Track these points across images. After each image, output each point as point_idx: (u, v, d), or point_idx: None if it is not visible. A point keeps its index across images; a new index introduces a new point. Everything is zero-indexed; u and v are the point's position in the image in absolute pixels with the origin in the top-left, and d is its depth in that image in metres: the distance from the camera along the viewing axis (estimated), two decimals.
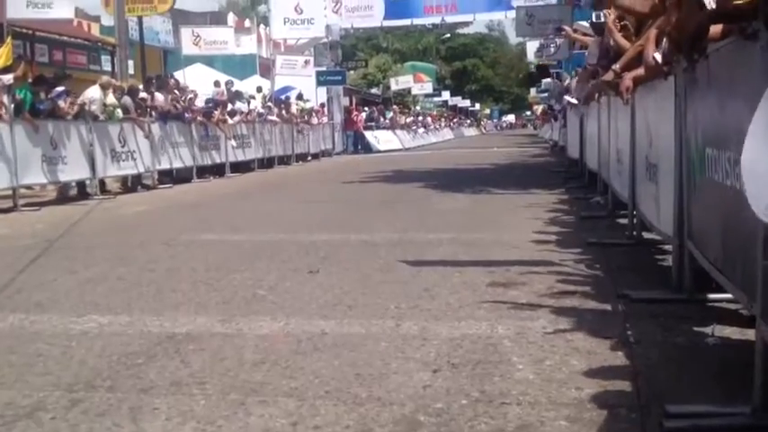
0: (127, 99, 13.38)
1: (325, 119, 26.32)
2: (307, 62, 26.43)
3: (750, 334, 2.88)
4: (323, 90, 27.15)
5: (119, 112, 13.01)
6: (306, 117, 23.47)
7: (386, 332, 3.74)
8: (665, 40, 4.17)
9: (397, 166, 18.15)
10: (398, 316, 4.05)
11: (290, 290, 4.77)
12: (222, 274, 5.31)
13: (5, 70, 10.93)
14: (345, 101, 31.67)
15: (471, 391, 2.88)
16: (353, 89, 39.42)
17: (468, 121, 69.12)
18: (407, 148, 32.82)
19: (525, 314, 4.00)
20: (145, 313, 4.25)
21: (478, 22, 38.94)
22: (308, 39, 26.87)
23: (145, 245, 6.84)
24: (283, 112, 21.74)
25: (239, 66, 28.01)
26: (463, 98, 69.20)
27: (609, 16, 6.96)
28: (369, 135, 30.21)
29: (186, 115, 15.40)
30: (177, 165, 14.93)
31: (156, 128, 14.02)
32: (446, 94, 62.80)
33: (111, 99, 12.87)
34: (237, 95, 19.46)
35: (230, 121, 17.25)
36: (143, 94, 14.25)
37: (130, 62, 19.64)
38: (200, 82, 19.45)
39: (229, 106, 17.87)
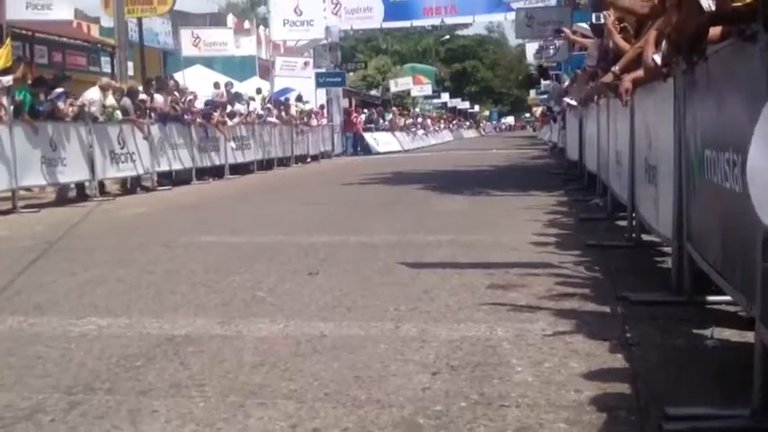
0: (126, 101, 13.38)
1: (324, 120, 26.33)
2: (306, 64, 26.43)
3: (749, 336, 2.88)
4: (322, 92, 27.17)
5: (118, 114, 13.00)
6: (305, 119, 23.48)
7: (385, 334, 3.74)
8: (664, 41, 4.18)
9: (397, 167, 18.15)
10: (398, 318, 4.05)
11: (289, 292, 4.77)
12: (221, 276, 5.31)
13: (5, 72, 10.91)
14: (345, 102, 31.70)
15: (470, 394, 2.88)
16: (353, 91, 39.44)
17: (468, 123, 69.13)
18: (407, 149, 32.83)
19: (524, 316, 4.00)
20: (144, 315, 4.25)
21: (478, 23, 38.92)
22: (308, 40, 26.88)
23: (144, 247, 6.83)
24: (283, 113, 21.74)
25: (239, 67, 28.01)
26: (462, 100, 69.24)
27: (608, 18, 6.96)
28: (368, 137, 30.23)
29: (186, 117, 15.40)
30: (176, 166, 14.93)
31: (155, 129, 14.02)
32: (445, 96, 62.83)
33: (110, 100, 12.87)
34: (237, 97, 19.46)
35: (230, 123, 17.25)
36: (142, 96, 14.25)
37: (130, 63, 19.64)
38: (199, 83, 19.46)
39: (229, 108, 17.87)
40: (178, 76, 19.17)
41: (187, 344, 3.65)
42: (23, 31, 20.05)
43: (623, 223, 6.67)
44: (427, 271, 5.29)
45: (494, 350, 3.42)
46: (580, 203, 9.38)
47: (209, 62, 25.28)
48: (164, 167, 14.41)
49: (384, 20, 26.80)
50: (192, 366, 3.30)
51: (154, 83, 16.00)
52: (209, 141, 16.36)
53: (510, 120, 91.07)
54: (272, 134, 20.27)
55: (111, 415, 2.77)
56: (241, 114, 18.39)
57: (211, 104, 17.40)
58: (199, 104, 16.88)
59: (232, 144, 17.24)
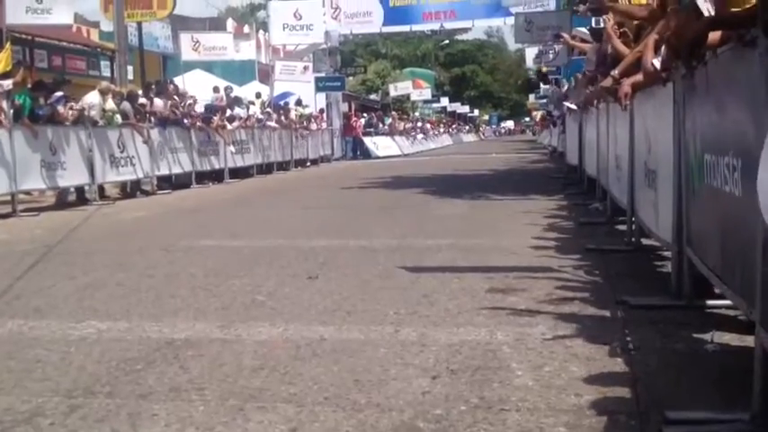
0: (126, 105, 13.38)
1: (324, 125, 26.35)
2: (306, 68, 26.41)
3: (749, 340, 2.88)
4: (322, 96, 27.18)
5: (118, 118, 13.01)
6: (305, 123, 23.49)
7: (385, 338, 3.74)
8: (663, 46, 4.19)
9: (396, 171, 18.16)
10: (397, 322, 4.05)
11: (288, 296, 4.77)
12: (221, 280, 5.31)
13: (5, 76, 10.90)
14: (344, 107, 31.73)
15: (470, 398, 2.88)
16: (352, 95, 39.47)
17: (467, 128, 69.15)
18: (406, 153, 32.84)
19: (524, 320, 4.00)
20: (144, 319, 4.25)
21: (477, 28, 39.01)
22: (307, 45, 26.88)
23: (144, 250, 6.83)
24: (282, 117, 21.76)
25: (238, 71, 28.02)
26: (462, 104, 69.24)
27: (608, 22, 6.98)
28: (367, 141, 30.25)
29: (185, 121, 15.41)
30: (176, 170, 14.94)
31: (155, 133, 14.02)
32: (445, 101, 62.86)
33: (110, 104, 12.87)
34: (236, 101, 19.47)
35: (229, 127, 17.26)
36: (142, 100, 14.26)
37: (129, 68, 19.66)
38: (199, 87, 19.47)
39: (228, 112, 17.88)
40: (178, 80, 19.17)
41: (187, 347, 3.65)
42: (23, 36, 20.07)
43: (623, 227, 6.68)
44: (427, 275, 5.29)
45: (494, 354, 3.42)
46: (580, 207, 9.38)
47: (208, 66, 25.30)
48: (163, 171, 14.41)
49: (383, 24, 26.84)
50: (191, 370, 3.30)
51: (153, 87, 16.01)
52: (209, 145, 16.37)
53: (509, 124, 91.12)
54: (272, 138, 20.28)
55: (111, 418, 2.77)
56: (241, 118, 18.41)
57: (211, 108, 17.40)
58: (199, 108, 16.88)
59: (232, 148, 17.25)
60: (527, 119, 78.28)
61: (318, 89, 26.51)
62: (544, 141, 35.07)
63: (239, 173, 17.61)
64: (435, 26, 29.13)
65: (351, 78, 38.92)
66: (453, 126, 61.40)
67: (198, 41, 22.65)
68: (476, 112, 76.71)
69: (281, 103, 23.41)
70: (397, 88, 45.75)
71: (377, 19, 26.41)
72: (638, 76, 5.21)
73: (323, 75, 26.92)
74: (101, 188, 12.53)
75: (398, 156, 30.90)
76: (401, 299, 4.58)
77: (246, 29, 35.45)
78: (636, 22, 6.21)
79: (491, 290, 4.75)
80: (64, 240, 7.66)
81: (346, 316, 4.23)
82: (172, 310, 4.48)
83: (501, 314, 4.14)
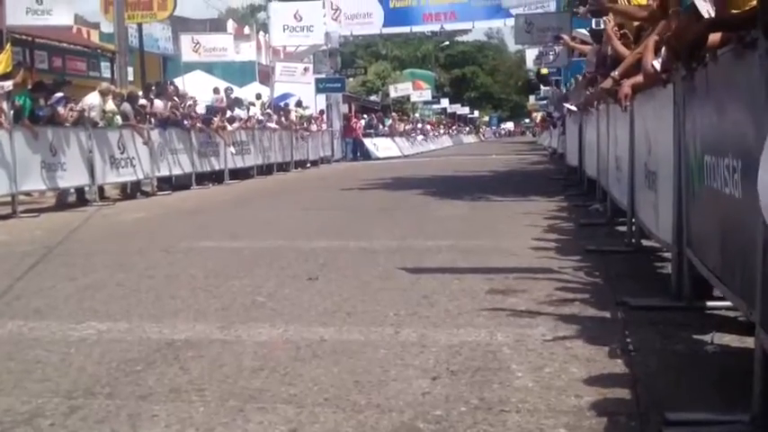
0: (126, 106, 13.39)
1: (324, 126, 26.35)
2: (306, 69, 26.44)
3: (749, 342, 2.88)
4: (322, 97, 27.19)
5: (118, 119, 13.01)
6: (305, 124, 23.50)
7: (385, 339, 3.74)
8: (663, 48, 4.19)
9: (396, 173, 18.17)
10: (397, 323, 4.05)
11: (288, 297, 4.77)
12: (221, 281, 5.31)
13: (5, 77, 10.91)
14: (344, 108, 31.74)
15: (470, 399, 2.88)
16: (352, 96, 39.48)
17: (467, 129, 69.20)
18: (406, 155, 32.85)
19: (524, 321, 4.00)
20: (144, 320, 4.25)
21: (477, 29, 39.09)
22: (308, 46, 26.91)
23: (144, 251, 6.83)
24: (282, 119, 21.77)
25: (239, 73, 28.06)
26: (462, 105, 69.29)
27: (608, 24, 6.98)
28: (368, 142, 30.26)
29: (185, 122, 15.41)
30: (176, 171, 14.94)
31: (155, 134, 14.03)
32: (445, 102, 62.91)
33: (110, 106, 12.87)
34: (237, 102, 19.48)
35: (229, 128, 17.27)
36: (142, 101, 14.27)
37: (130, 69, 19.67)
38: (199, 89, 19.47)
39: (228, 113, 17.89)
40: (178, 81, 19.18)
41: (187, 348, 3.65)
42: (23, 37, 20.09)
43: (623, 229, 6.68)
44: (427, 276, 5.29)
45: (494, 355, 3.42)
46: (580, 209, 9.38)
47: (209, 67, 25.32)
48: (164, 172, 14.42)
49: (384, 26, 26.85)
50: (191, 371, 3.30)
51: (154, 88, 16.02)
52: (209, 146, 16.37)
53: (509, 125, 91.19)
54: (272, 139, 20.29)
55: (111, 419, 2.77)
56: (241, 119, 18.42)
57: (211, 110, 17.41)
58: (200, 110, 16.89)
59: (232, 149, 17.25)
60: (527, 120, 78.35)
61: (318, 90, 26.52)
62: (544, 143, 35.08)
63: (239, 174, 17.62)
64: (435, 27, 29.13)
65: (351, 80, 38.91)
66: (453, 127, 61.44)
67: (198, 43, 22.67)
68: (476, 113, 76.77)
69: (282, 104, 23.42)
70: (398, 89, 45.79)
71: (377, 20, 26.42)
72: (639, 78, 5.22)
73: (323, 76, 26.93)
74: (101, 189, 12.54)
75: (398, 157, 30.91)
76: (401, 300, 4.58)
77: (247, 30, 35.51)
78: (636, 24, 6.22)
79: (491, 291, 4.75)
80: (64, 241, 7.66)
81: (346, 317, 4.23)
82: (172, 311, 4.48)
83: (501, 315, 4.14)
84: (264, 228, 8.80)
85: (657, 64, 4.40)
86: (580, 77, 12.71)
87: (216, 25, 35.07)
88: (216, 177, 16.52)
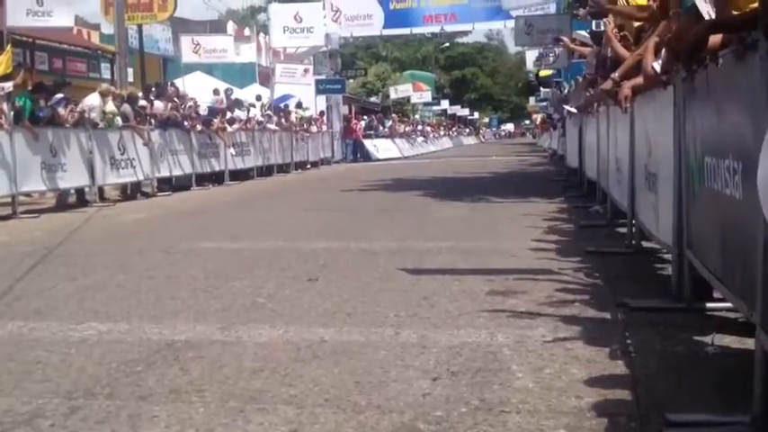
0: (126, 107, 13.40)
1: (324, 127, 26.35)
2: (306, 71, 26.48)
3: (750, 343, 2.88)
4: (322, 98, 27.20)
5: (118, 120, 13.02)
6: (305, 125, 23.50)
7: (385, 340, 3.74)
8: (663, 49, 4.20)
9: (396, 174, 18.17)
10: (398, 324, 4.05)
11: (289, 298, 4.77)
12: (221, 282, 5.31)
13: (5, 78, 10.93)
14: (344, 109, 31.74)
15: (471, 400, 2.88)
16: (353, 98, 39.50)
17: (467, 130, 69.21)
18: (406, 156, 32.86)
19: (524, 322, 4.00)
20: (144, 321, 4.25)
21: (477, 31, 39.18)
22: (308, 47, 26.92)
23: (144, 252, 6.83)
24: (282, 120, 21.77)
25: (239, 74, 28.06)
26: (462, 107, 69.33)
27: (608, 25, 6.99)
28: (368, 143, 30.26)
29: (185, 123, 15.42)
30: (176, 172, 14.95)
31: (155, 135, 14.03)
32: (445, 103, 62.92)
33: (110, 107, 12.88)
34: (237, 103, 19.48)
35: (229, 129, 17.27)
36: (142, 102, 14.27)
37: (130, 70, 19.67)
38: (199, 90, 19.49)
39: (228, 114, 17.89)
40: (178, 82, 19.19)
41: (187, 349, 3.65)
42: (24, 38, 20.11)
43: (623, 230, 6.68)
44: (427, 277, 5.29)
45: (494, 356, 3.42)
46: (580, 210, 9.38)
47: (209, 69, 25.33)
48: (164, 173, 14.42)
49: (384, 27, 26.84)
50: (191, 372, 3.30)
51: (154, 89, 16.02)
52: (209, 147, 16.38)
53: (510, 127, 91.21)
54: (272, 141, 20.30)
55: (111, 420, 2.77)
56: (241, 121, 18.42)
57: (211, 111, 17.42)
58: (202, 111, 16.89)
59: (232, 150, 17.26)
60: (527, 122, 78.40)
61: (319, 92, 26.54)
62: (544, 144, 35.09)
63: (239, 175, 17.62)
64: (436, 29, 29.16)
65: (351, 81, 38.92)
66: (453, 129, 61.48)
67: (198, 44, 22.70)
68: (476, 114, 76.83)
69: (282, 105, 23.42)
70: (398, 91, 45.83)
71: (377, 22, 26.42)
72: (639, 79, 5.22)
73: (323, 77, 26.93)
74: (101, 190, 12.54)
75: (399, 158, 30.91)
76: (401, 301, 4.58)
77: (247, 31, 35.53)
78: (636, 25, 6.22)
79: (491, 292, 4.75)
80: (64, 242, 7.66)
81: (347, 318, 4.23)
82: (172, 311, 4.48)
83: (501, 316, 4.14)
84: (265, 229, 8.80)
85: (658, 65, 4.40)
86: (580, 79, 12.71)
87: (216, 26, 35.06)
88: (216, 178, 16.52)
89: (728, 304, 3.50)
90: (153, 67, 25.63)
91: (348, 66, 39.98)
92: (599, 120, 8.85)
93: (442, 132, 53.27)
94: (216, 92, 19.37)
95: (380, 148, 31.09)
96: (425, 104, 53.88)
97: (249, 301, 4.68)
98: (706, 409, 2.71)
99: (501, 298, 4.60)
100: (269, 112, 21.66)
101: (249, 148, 18.57)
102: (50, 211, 11.09)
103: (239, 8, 55.92)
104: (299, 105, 24.04)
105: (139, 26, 21.52)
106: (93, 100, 12.74)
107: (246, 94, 22.82)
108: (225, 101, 18.86)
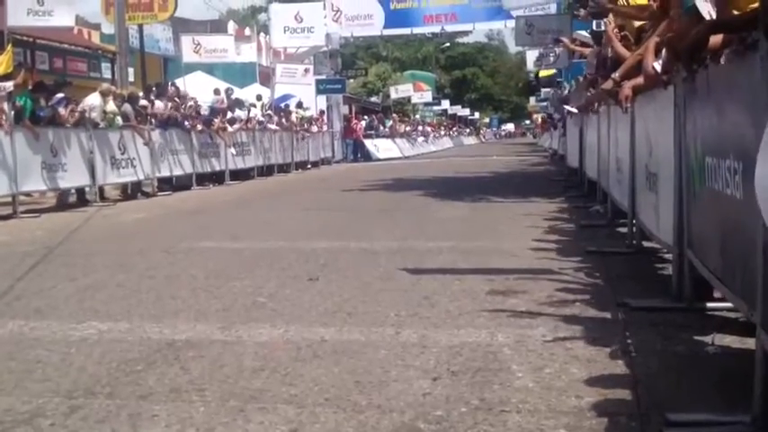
0: (127, 106, 13.40)
1: (324, 127, 26.36)
2: (306, 70, 26.49)
3: (750, 343, 2.88)
4: (322, 98, 27.20)
5: (119, 120, 13.02)
6: (305, 125, 23.51)
7: (385, 340, 3.74)
8: (664, 49, 4.20)
9: (397, 174, 18.17)
10: (398, 324, 4.05)
11: (289, 297, 4.77)
12: (222, 282, 5.31)
13: (6, 78, 10.93)
14: (345, 109, 31.74)
15: (471, 399, 2.88)
16: (353, 97, 39.50)
17: (468, 130, 69.22)
18: (407, 156, 32.86)
19: (525, 322, 4.00)
20: (144, 320, 4.25)
21: (478, 31, 39.19)
22: (308, 47, 26.93)
23: (144, 252, 6.83)
24: (283, 120, 21.77)
25: (239, 74, 28.08)
26: (462, 107, 69.33)
27: (609, 25, 6.99)
28: (368, 143, 30.26)
29: (186, 123, 15.42)
30: (177, 172, 14.95)
31: (155, 135, 14.04)
32: (445, 103, 62.93)
33: (111, 106, 12.88)
34: (237, 103, 19.49)
35: (230, 129, 17.27)
36: (143, 102, 14.27)
37: (131, 70, 19.67)
38: (200, 90, 19.49)
39: (229, 114, 17.89)
40: (179, 82, 19.20)
41: (187, 349, 3.65)
42: (24, 38, 20.11)
43: (624, 230, 6.68)
44: (428, 277, 5.29)
45: (494, 356, 3.42)
46: (580, 210, 9.38)
47: (209, 69, 25.34)
48: (164, 173, 14.43)
49: (384, 27, 26.85)
50: (192, 371, 3.30)
51: (154, 89, 16.03)
52: (210, 147, 16.38)
53: (510, 127, 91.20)
54: (273, 140, 20.30)
55: (112, 419, 2.77)
56: (241, 120, 18.42)
57: (212, 111, 17.42)
58: (203, 111, 16.90)
59: (232, 150, 17.26)
60: (528, 122, 78.39)
61: (319, 91, 26.54)
62: (545, 144, 35.09)
63: (240, 175, 17.63)
64: (436, 29, 29.17)
65: (351, 81, 38.92)
66: (454, 129, 61.48)
67: (199, 44, 22.71)
68: (476, 114, 76.83)
69: (282, 105, 23.43)
70: (398, 91, 45.83)
71: (378, 22, 26.42)
72: (639, 79, 5.22)
73: (324, 77, 26.94)
74: (101, 190, 12.54)
75: (399, 158, 30.91)
76: (402, 301, 4.58)
77: (247, 31, 35.54)
78: (637, 26, 6.22)
79: (492, 292, 4.75)
80: (64, 242, 7.66)
81: (347, 317, 4.23)
82: (172, 311, 4.48)
83: (502, 316, 4.14)
84: (265, 228, 8.80)
85: (658, 65, 4.40)
86: (581, 79, 12.71)
87: (217, 26, 35.06)
88: (216, 178, 16.53)
89: (729, 304, 3.50)
90: (153, 67, 25.63)
91: (348, 66, 39.99)
92: (600, 120, 8.85)
93: (442, 132, 53.28)
94: (216, 92, 19.37)
95: (381, 147, 31.10)
96: (426, 104, 53.88)
97: (250, 301, 4.69)
98: (706, 409, 2.71)
99: (501, 298, 4.60)
100: (269, 111, 21.66)
101: (250, 147, 18.58)
102: (51, 210, 11.09)
103: (240, 8, 55.89)
104: (299, 105, 24.05)
105: (140, 26, 21.52)
106: (93, 100, 12.74)
107: (247, 93, 22.83)
108: (225, 101, 18.86)
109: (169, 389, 3.08)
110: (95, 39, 27.20)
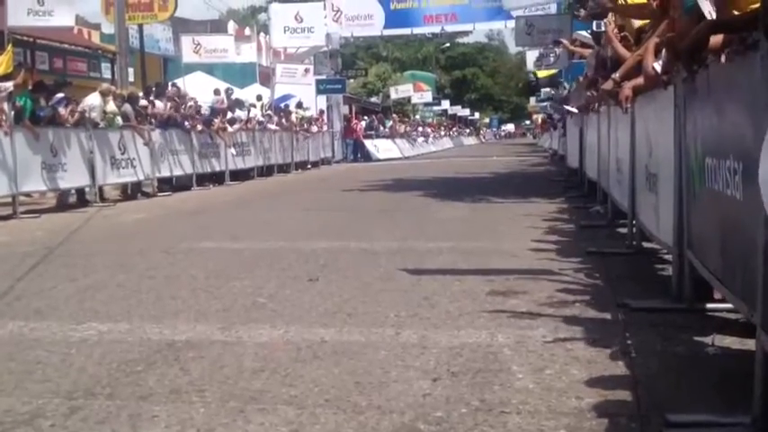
0: (127, 107, 13.39)
1: (324, 127, 26.36)
2: (306, 71, 26.49)
3: (750, 344, 2.88)
4: (322, 98, 27.20)
5: (119, 120, 13.02)
6: (305, 125, 23.51)
7: (385, 340, 3.74)
8: (664, 49, 4.19)
9: (397, 174, 18.17)
10: (398, 324, 4.05)
11: (289, 298, 4.77)
12: (222, 282, 5.31)
13: (6, 78, 10.93)
14: (345, 109, 31.73)
15: (471, 400, 2.88)
16: (353, 98, 39.48)
17: (468, 130, 69.20)
18: (407, 156, 32.86)
19: (525, 323, 4.00)
20: (144, 321, 4.25)
21: (478, 31, 39.20)
22: (308, 47, 26.93)
23: (144, 252, 6.83)
24: (283, 120, 21.77)
25: (239, 74, 28.08)
26: (463, 107, 69.31)
27: (609, 25, 6.99)
28: (368, 143, 30.26)
29: (186, 123, 15.42)
30: (177, 172, 14.95)
31: (155, 135, 14.03)
32: (446, 103, 62.89)
33: (111, 106, 12.88)
34: (237, 103, 19.48)
35: (230, 129, 17.27)
36: (143, 102, 14.27)
37: (130, 70, 19.68)
38: (200, 90, 19.49)
39: (229, 114, 17.89)
40: (179, 82, 19.21)
41: (187, 349, 3.65)
42: (24, 38, 20.11)
43: (624, 230, 6.68)
44: (428, 277, 5.29)
45: (494, 357, 3.42)
46: (580, 211, 9.38)
47: (209, 69, 25.34)
48: (164, 173, 14.42)
49: (384, 27, 26.85)
50: (192, 372, 3.30)
51: (154, 89, 16.02)
52: (210, 147, 16.38)
53: (510, 127, 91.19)
54: (273, 140, 20.30)
55: (112, 420, 2.77)
56: (241, 121, 18.42)
57: (212, 111, 17.42)
58: (202, 111, 16.90)
59: (232, 150, 17.26)
60: (528, 122, 78.37)
61: (319, 92, 26.54)
62: (545, 144, 35.10)
63: (240, 175, 17.62)
64: (436, 29, 29.17)
65: (351, 81, 38.90)
66: (454, 129, 61.47)
67: (199, 44, 22.72)
68: (476, 115, 76.78)
69: (282, 105, 23.43)
70: (398, 91, 45.82)
71: (378, 22, 26.43)
72: (639, 80, 5.22)
73: (324, 77, 26.94)
74: (101, 190, 12.53)
75: (399, 158, 30.91)
76: (402, 301, 4.58)
77: (247, 31, 35.54)
78: (636, 26, 6.22)
79: (492, 292, 4.75)
80: (64, 242, 7.66)
81: (347, 318, 4.23)
82: (172, 311, 4.48)
83: (502, 317, 4.14)
84: (265, 229, 8.80)
85: (658, 66, 4.40)
86: (581, 79, 12.71)
87: (217, 26, 35.07)
88: (216, 178, 16.52)
89: (729, 305, 3.50)
90: (153, 67, 25.65)
91: (348, 66, 39.97)
92: (600, 120, 8.85)
93: (442, 132, 53.26)
94: (216, 92, 19.37)
95: (381, 148, 31.09)
96: (426, 105, 53.86)
97: (250, 301, 4.68)
98: (706, 410, 2.71)
99: (501, 298, 4.60)
100: (269, 112, 21.66)
101: (250, 148, 18.57)
102: (51, 211, 11.09)
103: (240, 8, 55.96)
104: (299, 105, 24.05)
105: (140, 26, 21.54)
106: (93, 100, 12.74)
107: (247, 94, 22.83)
108: (225, 101, 18.86)
109: (169, 390, 3.08)
110: (95, 39, 27.21)
